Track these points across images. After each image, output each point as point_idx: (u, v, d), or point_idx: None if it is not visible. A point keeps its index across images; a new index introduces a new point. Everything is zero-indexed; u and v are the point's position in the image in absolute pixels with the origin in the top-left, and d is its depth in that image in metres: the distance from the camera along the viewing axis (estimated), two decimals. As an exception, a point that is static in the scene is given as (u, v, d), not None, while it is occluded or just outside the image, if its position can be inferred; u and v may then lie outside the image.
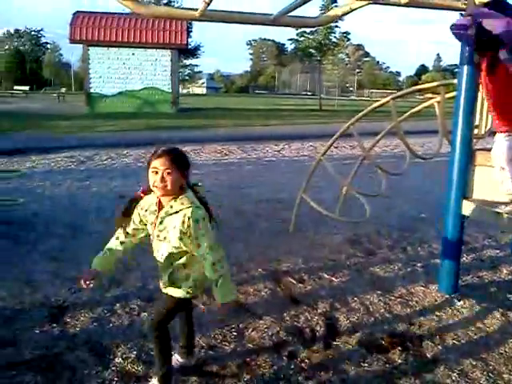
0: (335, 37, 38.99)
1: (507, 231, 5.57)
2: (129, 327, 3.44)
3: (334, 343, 3.31)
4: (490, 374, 2.96)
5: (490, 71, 3.29)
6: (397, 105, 4.98)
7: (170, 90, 27.63)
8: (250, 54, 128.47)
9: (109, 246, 2.64)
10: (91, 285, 2.52)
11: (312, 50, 39.19)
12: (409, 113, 5.78)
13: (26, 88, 57.41)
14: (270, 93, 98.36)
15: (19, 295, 3.89)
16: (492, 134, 3.88)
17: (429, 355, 3.18)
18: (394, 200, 7.32)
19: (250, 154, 12.70)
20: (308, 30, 36.80)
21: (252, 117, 25.12)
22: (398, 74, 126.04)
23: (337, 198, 5.79)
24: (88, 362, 3.00)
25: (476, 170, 3.88)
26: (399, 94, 5.61)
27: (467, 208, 3.86)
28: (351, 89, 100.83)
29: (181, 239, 2.41)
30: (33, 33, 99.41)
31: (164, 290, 2.64)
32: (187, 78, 69.73)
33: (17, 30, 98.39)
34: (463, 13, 3.53)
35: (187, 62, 57.67)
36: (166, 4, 42.15)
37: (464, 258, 4.82)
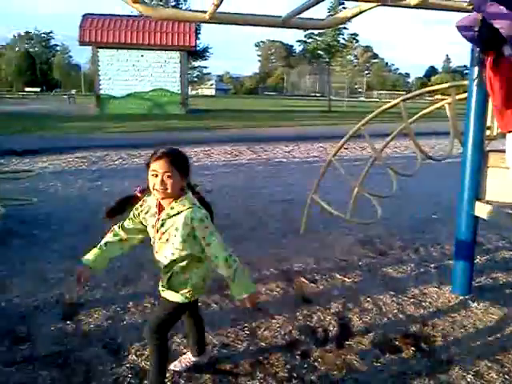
0: (343, 38, 39.00)
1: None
2: (142, 325, 3.45)
3: (347, 343, 3.30)
4: (505, 376, 2.93)
5: (495, 68, 3.24)
6: (407, 106, 4.97)
7: (179, 92, 27.78)
8: (259, 55, 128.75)
9: (106, 239, 2.58)
10: (87, 283, 2.48)
11: (320, 52, 39.21)
12: (419, 114, 5.76)
13: (37, 90, 57.89)
14: (279, 94, 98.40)
15: (34, 293, 3.93)
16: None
17: (443, 356, 3.16)
18: (406, 201, 7.30)
19: (260, 155, 12.71)
20: (316, 31, 36.81)
21: (261, 118, 25.17)
22: (407, 75, 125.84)
23: (347, 198, 5.78)
24: (102, 358, 3.02)
25: (489, 172, 3.86)
26: (410, 95, 5.59)
27: (480, 209, 3.84)
28: (360, 90, 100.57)
29: (184, 241, 2.38)
30: (43, 35, 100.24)
31: (162, 294, 2.59)
32: (196, 79, 69.93)
33: (27, 33, 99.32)
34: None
35: (196, 63, 57.79)
36: (173, 6, 42.31)
37: (477, 260, 4.80)
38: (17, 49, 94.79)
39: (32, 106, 33.70)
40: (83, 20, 26.50)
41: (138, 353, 3.08)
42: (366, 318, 3.65)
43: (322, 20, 4.87)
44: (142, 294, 3.95)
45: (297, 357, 3.10)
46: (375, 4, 4.23)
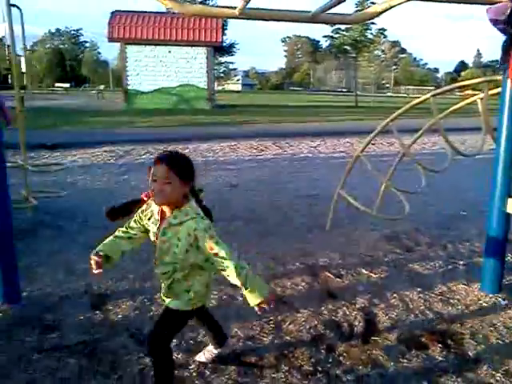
0: (371, 33, 38.57)
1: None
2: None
3: (373, 338, 3.27)
4: (535, 375, 2.88)
5: None
6: (436, 102, 4.88)
7: (206, 87, 27.89)
8: (285, 51, 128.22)
9: (115, 234, 2.50)
10: (100, 270, 2.33)
11: (347, 47, 38.87)
12: (450, 109, 5.66)
13: (67, 85, 58.87)
14: (305, 90, 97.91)
15: (63, 283, 4.01)
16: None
17: (471, 354, 3.11)
18: (433, 197, 7.19)
19: (286, 150, 12.68)
20: (343, 26, 36.51)
21: (287, 113, 25.11)
22: (436, 70, 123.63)
23: (373, 194, 5.72)
24: (129, 348, 3.07)
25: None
26: (440, 90, 5.49)
27: (512, 206, 3.76)
28: (387, 85, 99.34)
29: (187, 251, 2.27)
30: (72, 32, 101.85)
31: (165, 303, 2.51)
32: (222, 75, 70.08)
33: (57, 30, 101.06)
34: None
35: (222, 59, 57.89)
36: (200, 2, 42.45)
37: (509, 257, 4.70)
38: (47, 46, 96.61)
39: (61, 101, 34.32)
40: (112, 17, 26.84)
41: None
42: (392, 314, 3.61)
43: (351, 15, 4.83)
44: (168, 285, 3.99)
45: (322, 351, 3.09)
46: (405, -1, 4.16)
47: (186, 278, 2.39)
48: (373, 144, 12.39)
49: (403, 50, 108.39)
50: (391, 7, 4.35)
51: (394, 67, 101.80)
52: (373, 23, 36.84)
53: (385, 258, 4.83)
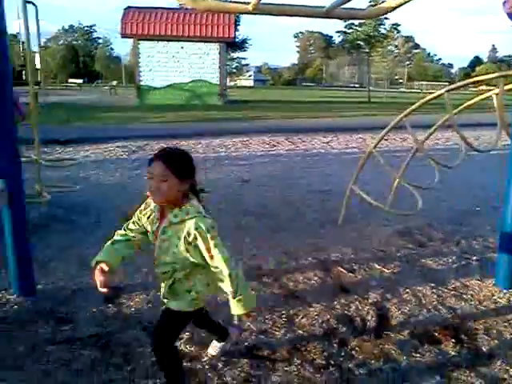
0: (384, 28, 38.30)
1: None
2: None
3: (385, 333, 3.26)
4: (550, 371, 2.85)
5: None
6: (450, 97, 4.83)
7: (218, 83, 27.91)
8: (297, 46, 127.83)
9: (113, 238, 2.42)
10: (106, 289, 2.21)
11: (360, 42, 38.65)
12: (464, 105, 5.59)
13: (80, 81, 59.25)
14: (318, 85, 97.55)
15: (76, 277, 4.05)
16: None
17: (484, 349, 3.08)
18: (447, 193, 7.14)
19: (298, 146, 12.65)
20: (356, 22, 36.28)
21: (299, 109, 25.04)
22: (450, 65, 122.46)
23: (386, 190, 5.69)
24: (141, 340, 3.09)
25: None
26: (454, 85, 5.42)
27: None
28: (401, 81, 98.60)
29: (187, 251, 2.19)
30: (85, 28, 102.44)
31: (166, 304, 2.44)
32: (235, 70, 70.09)
33: (71, 26, 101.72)
34: None
35: (235, 55, 57.90)
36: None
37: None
38: (61, 42, 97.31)
39: (75, 96, 34.57)
40: (125, 13, 26.97)
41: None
42: (405, 309, 3.60)
43: (365, 10, 4.79)
44: (180, 279, 4.01)
45: (334, 345, 3.09)
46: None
47: (187, 278, 2.31)
48: (386, 140, 12.32)
49: (417, 46, 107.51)
50: (406, 2, 4.31)
51: (408, 62, 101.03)
52: (386, 18, 36.60)
53: (397, 253, 4.81)
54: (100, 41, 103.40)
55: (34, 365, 2.83)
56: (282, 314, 3.46)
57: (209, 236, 2.13)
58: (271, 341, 3.13)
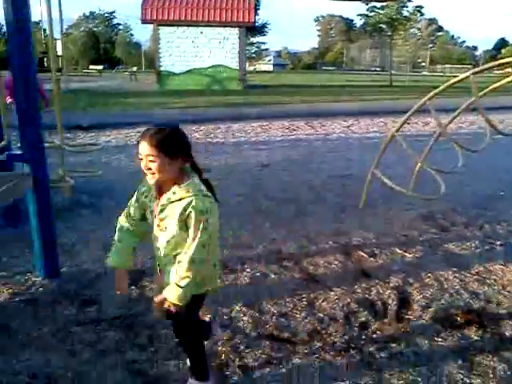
0: (407, 11, 37.58)
1: None
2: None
3: (407, 317, 3.25)
4: None
5: None
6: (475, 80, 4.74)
7: (238, 68, 27.79)
8: (318, 30, 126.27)
9: (117, 235, 2.34)
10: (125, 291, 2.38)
11: (382, 25, 38.01)
12: (490, 88, 5.49)
13: (100, 67, 59.59)
14: (338, 69, 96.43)
15: (100, 259, 4.10)
16: None
17: (508, 334, 3.05)
18: (471, 177, 7.03)
19: (318, 130, 12.57)
20: (379, 4, 35.72)
21: (319, 93, 24.81)
22: (475, 48, 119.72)
23: (408, 174, 5.63)
24: (165, 322, 3.10)
25: None
26: (480, 68, 5.32)
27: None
28: (423, 64, 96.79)
29: (180, 228, 2.07)
30: (106, 15, 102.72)
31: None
32: (254, 55, 69.61)
33: (91, 13, 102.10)
34: None
35: (254, 39, 57.45)
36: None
37: (547, 238, 4.58)
38: (82, 29, 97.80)
39: (96, 83, 34.79)
40: (145, -1, 26.93)
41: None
42: (427, 293, 3.57)
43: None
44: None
45: (355, 328, 3.10)
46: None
47: (207, 259, 2.13)
48: (408, 123, 12.13)
49: (440, 28, 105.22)
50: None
51: (431, 45, 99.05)
52: (410, 0, 35.93)
53: (420, 237, 4.77)
54: (120, 27, 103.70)
55: (60, 345, 2.89)
56: (303, 298, 3.47)
57: (200, 218, 2.01)
58: (292, 324, 3.15)
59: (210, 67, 27.58)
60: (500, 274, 3.91)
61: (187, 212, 2.02)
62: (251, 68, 73.80)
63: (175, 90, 24.96)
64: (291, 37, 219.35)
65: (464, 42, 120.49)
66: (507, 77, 5.53)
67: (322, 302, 3.43)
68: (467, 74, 4.87)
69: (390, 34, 38.44)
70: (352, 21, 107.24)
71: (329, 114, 15.46)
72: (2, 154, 3.87)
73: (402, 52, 58.41)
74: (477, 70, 5.06)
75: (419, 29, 74.90)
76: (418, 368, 2.69)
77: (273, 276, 3.82)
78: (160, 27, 27.01)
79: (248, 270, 3.91)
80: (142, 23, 27.81)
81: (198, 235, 2.02)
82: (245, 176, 7.27)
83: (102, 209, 5.57)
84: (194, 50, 27.35)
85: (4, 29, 4.43)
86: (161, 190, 2.14)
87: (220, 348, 2.86)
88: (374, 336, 3.01)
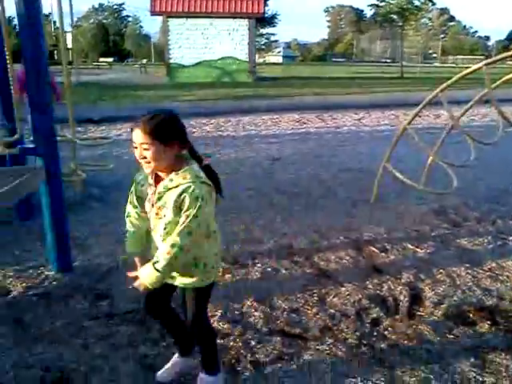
0: (419, 1, 37.18)
1: None
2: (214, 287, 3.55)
3: (419, 313, 3.24)
4: None
5: None
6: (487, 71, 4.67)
7: (247, 60, 27.69)
8: (328, 21, 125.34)
9: (127, 224, 2.30)
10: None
11: (393, 16, 37.66)
12: (503, 79, 5.42)
13: (110, 60, 59.63)
14: (348, 61, 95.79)
15: (112, 253, 4.13)
16: None
17: (521, 332, 3.03)
18: (483, 171, 6.96)
19: (329, 123, 12.51)
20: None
21: (330, 85, 24.67)
22: (487, 38, 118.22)
23: (420, 168, 5.58)
24: (177, 317, 3.14)
25: None
26: (493, 59, 5.25)
27: None
28: (435, 55, 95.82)
29: (175, 214, 2.01)
30: (115, 7, 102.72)
31: (175, 284, 2.23)
32: (264, 47, 69.34)
33: (100, 5, 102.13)
34: None
35: (264, 31, 57.22)
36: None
37: (561, 233, 4.53)
38: (91, 21, 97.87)
39: (106, 75, 34.83)
40: (154, -10, 26.86)
41: (210, 314, 3.15)
42: (439, 290, 3.55)
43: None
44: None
45: (367, 324, 3.09)
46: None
47: (188, 249, 2.03)
48: (419, 116, 12.05)
49: (452, 18, 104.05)
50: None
51: (442, 36, 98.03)
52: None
53: (431, 232, 4.74)
54: (129, 19, 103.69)
55: (72, 339, 2.91)
56: (314, 293, 3.46)
57: (194, 204, 1.95)
58: (303, 319, 3.14)
59: (219, 59, 27.51)
60: (513, 271, 3.88)
61: (181, 197, 1.97)
62: (261, 60, 73.55)
63: (185, 83, 24.93)
64: (301, 28, 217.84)
65: (476, 32, 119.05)
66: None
67: (334, 297, 3.42)
68: (480, 64, 4.80)
69: (400, 24, 38.06)
70: (362, 11, 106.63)
71: (339, 107, 15.39)
72: (15, 147, 3.90)
73: (413, 43, 57.95)
74: (489, 60, 4.99)
75: (430, 19, 74.23)
76: (430, 365, 2.68)
77: (284, 271, 3.82)
78: (169, 19, 26.93)
79: (259, 264, 3.91)
80: (152, 15, 27.77)
81: (187, 221, 1.96)
82: (255, 170, 7.26)
83: (114, 202, 5.58)
84: (204, 42, 27.27)
85: (15, 21, 4.44)
86: (158, 177, 2.10)
87: (231, 343, 2.87)
88: (386, 333, 3.00)
